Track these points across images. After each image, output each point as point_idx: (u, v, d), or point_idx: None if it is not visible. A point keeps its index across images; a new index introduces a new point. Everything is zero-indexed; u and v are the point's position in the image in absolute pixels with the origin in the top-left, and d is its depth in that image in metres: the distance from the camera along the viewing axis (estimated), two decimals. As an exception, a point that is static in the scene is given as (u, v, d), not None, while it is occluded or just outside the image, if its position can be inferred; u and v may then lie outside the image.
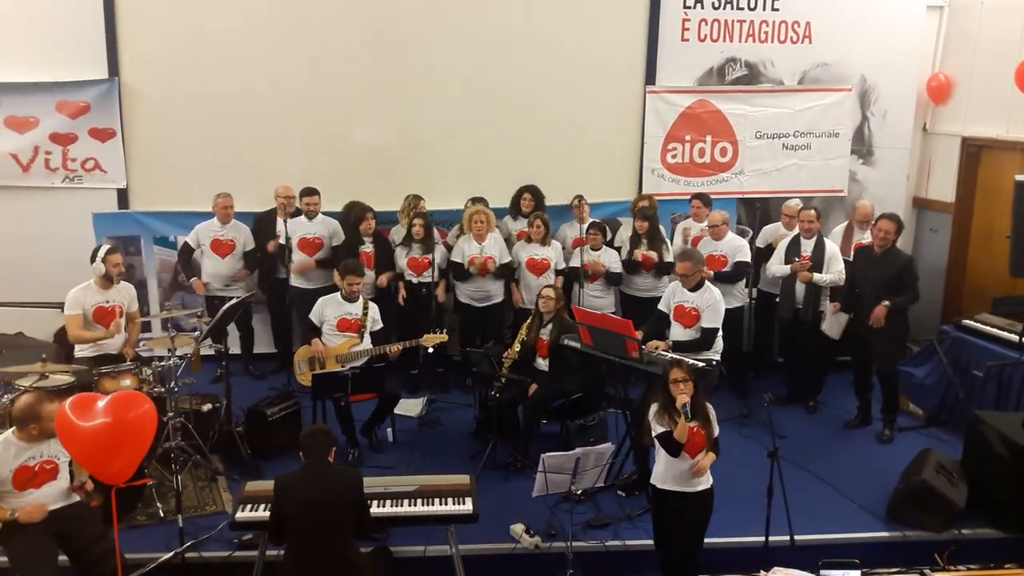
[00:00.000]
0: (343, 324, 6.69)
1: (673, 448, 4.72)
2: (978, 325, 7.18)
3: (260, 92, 8.20)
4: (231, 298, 7.07)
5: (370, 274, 7.56)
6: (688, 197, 8.10)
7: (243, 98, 8.19)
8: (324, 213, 7.86)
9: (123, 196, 8.28)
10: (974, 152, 8.57)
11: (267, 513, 4.67)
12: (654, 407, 4.82)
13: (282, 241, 7.64)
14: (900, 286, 6.62)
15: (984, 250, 8.45)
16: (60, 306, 6.41)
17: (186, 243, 7.84)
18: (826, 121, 8.79)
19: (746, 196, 8.76)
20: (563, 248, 7.79)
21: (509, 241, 7.94)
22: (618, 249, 7.83)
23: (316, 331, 6.72)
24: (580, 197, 7.79)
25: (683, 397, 4.64)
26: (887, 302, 6.56)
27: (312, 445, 4.45)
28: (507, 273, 7.67)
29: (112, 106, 8.06)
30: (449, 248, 7.81)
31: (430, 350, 6.80)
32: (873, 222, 6.94)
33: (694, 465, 4.73)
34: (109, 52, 7.96)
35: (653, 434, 4.82)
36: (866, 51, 8.69)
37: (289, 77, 8.21)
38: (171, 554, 4.81)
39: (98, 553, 4.61)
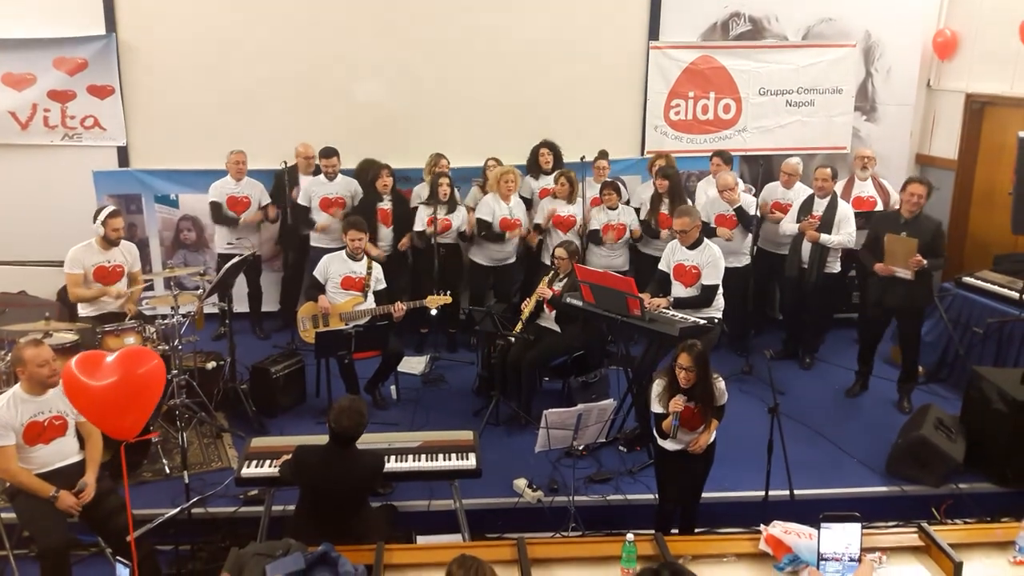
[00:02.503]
0: (347, 282, 6.69)
1: (661, 434, 4.80)
2: (979, 282, 7.19)
3: (262, 47, 8.13)
4: (241, 255, 7.10)
5: (387, 231, 7.65)
6: (693, 155, 8.06)
7: (244, 54, 8.12)
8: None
9: (123, 154, 8.26)
10: (977, 109, 8.51)
11: (273, 470, 4.72)
12: (659, 385, 4.81)
13: (301, 201, 7.65)
14: (931, 251, 6.37)
15: (986, 207, 8.44)
16: (62, 264, 6.38)
17: (213, 202, 7.76)
18: (830, 77, 8.72)
19: (749, 153, 8.73)
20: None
21: (531, 200, 7.93)
22: (637, 210, 7.80)
23: (320, 288, 6.73)
24: (605, 156, 7.79)
25: (677, 404, 4.64)
26: (925, 261, 6.30)
27: (345, 425, 4.27)
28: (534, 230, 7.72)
29: (110, 63, 8.00)
30: (469, 209, 7.77)
31: (433, 311, 6.80)
32: (901, 187, 6.70)
33: (691, 443, 4.76)
34: (106, 8, 7.89)
35: (652, 409, 4.87)
36: (871, 6, 8.61)
37: (293, 32, 8.13)
38: (177, 510, 4.86)
39: (108, 509, 4.67)
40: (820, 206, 7.15)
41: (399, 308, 6.64)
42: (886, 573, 3.78)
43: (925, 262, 6.29)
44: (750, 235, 7.36)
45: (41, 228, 7.89)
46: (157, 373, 3.98)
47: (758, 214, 7.38)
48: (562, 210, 7.58)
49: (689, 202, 7.64)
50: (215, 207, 7.76)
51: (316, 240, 7.75)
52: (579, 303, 6.22)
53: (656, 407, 4.80)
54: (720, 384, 4.82)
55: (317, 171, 7.79)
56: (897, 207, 7.73)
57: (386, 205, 7.66)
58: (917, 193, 6.42)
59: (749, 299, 7.63)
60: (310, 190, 7.67)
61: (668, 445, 4.88)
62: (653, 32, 8.48)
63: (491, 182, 7.65)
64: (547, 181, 7.93)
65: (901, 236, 6.35)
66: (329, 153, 7.65)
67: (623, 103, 8.65)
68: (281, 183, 7.88)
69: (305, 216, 7.71)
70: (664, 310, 6.06)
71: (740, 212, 7.24)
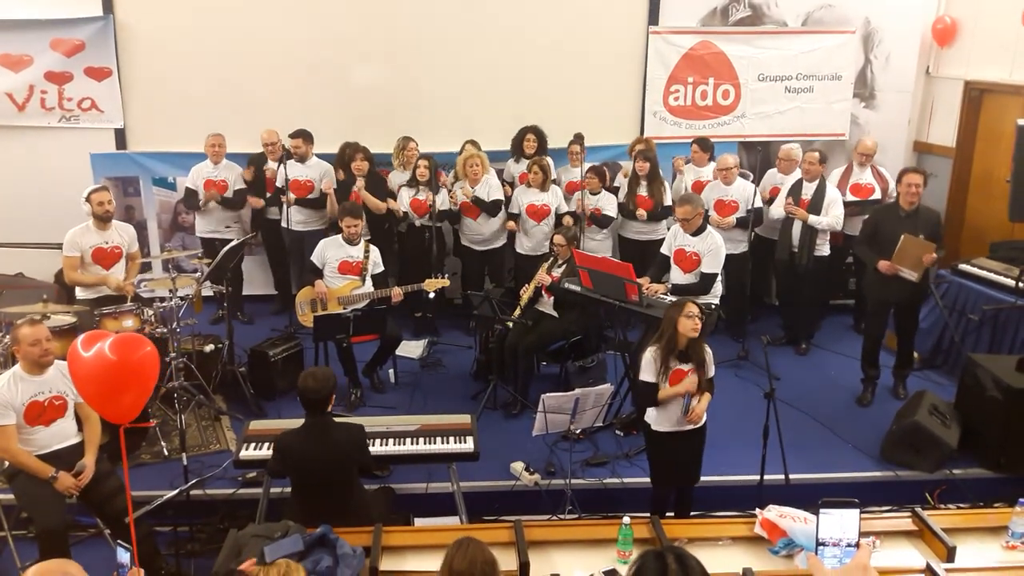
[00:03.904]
0: (344, 267, 6.70)
1: (650, 400, 4.75)
2: (975, 269, 7.20)
3: (258, 30, 8.09)
4: (228, 240, 7.07)
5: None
6: (690, 141, 8.06)
7: (241, 36, 8.08)
8: (321, 155, 7.78)
9: (121, 136, 8.23)
10: (976, 96, 8.50)
11: (270, 452, 4.73)
12: (653, 350, 4.73)
13: (279, 184, 7.60)
14: (933, 243, 6.26)
15: (983, 195, 8.44)
16: (59, 247, 6.38)
17: (188, 188, 7.77)
18: (829, 64, 8.70)
19: (748, 139, 8.72)
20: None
21: (512, 184, 7.90)
22: (616, 190, 7.81)
23: (318, 273, 6.73)
24: (579, 140, 7.75)
25: (691, 384, 4.65)
26: (936, 254, 6.22)
27: (312, 396, 4.30)
28: (492, 209, 7.56)
29: (107, 44, 7.96)
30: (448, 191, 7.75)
31: (431, 295, 6.81)
32: (896, 179, 6.62)
33: (689, 413, 4.73)
34: (103, -12, 7.83)
35: (640, 377, 4.79)
36: (871, -8, 8.59)
37: (288, 15, 8.09)
38: (176, 492, 4.89)
39: (107, 491, 4.68)
40: (809, 190, 7.18)
41: (397, 293, 6.65)
42: (880, 557, 3.80)
43: (935, 257, 6.19)
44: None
45: (38, 210, 7.87)
46: (151, 359, 3.98)
47: (759, 203, 7.40)
48: (536, 199, 7.54)
49: (667, 185, 7.68)
50: (190, 194, 7.76)
51: (284, 223, 7.72)
52: (577, 288, 6.24)
53: (646, 375, 4.72)
54: (709, 353, 4.82)
55: (289, 155, 7.67)
56: (895, 197, 7.78)
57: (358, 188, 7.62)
58: (915, 183, 6.29)
59: (747, 285, 7.65)
60: (282, 172, 7.61)
61: (658, 426, 4.86)
62: (653, 17, 8.44)
63: (458, 167, 7.65)
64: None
65: (919, 239, 6.20)
66: (295, 135, 7.61)
67: (622, 88, 8.62)
68: (253, 167, 7.87)
69: (276, 199, 7.68)
70: (662, 296, 6.08)
71: (741, 221, 7.31)
